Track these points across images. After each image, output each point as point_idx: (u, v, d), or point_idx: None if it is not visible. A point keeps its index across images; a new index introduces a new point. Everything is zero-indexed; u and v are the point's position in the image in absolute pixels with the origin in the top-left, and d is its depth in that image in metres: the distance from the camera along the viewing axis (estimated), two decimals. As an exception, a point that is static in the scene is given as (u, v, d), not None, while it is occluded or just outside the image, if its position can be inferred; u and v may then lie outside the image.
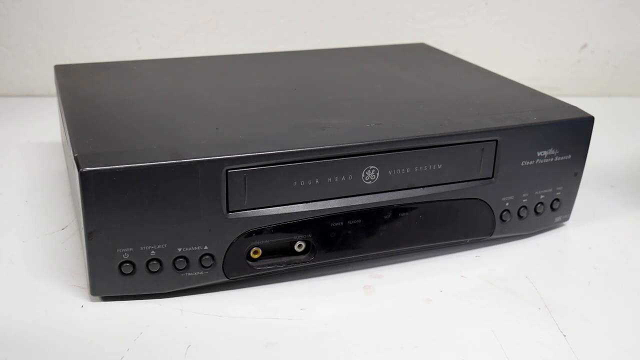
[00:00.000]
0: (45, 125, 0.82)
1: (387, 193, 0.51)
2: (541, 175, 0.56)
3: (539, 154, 0.55)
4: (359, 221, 0.51)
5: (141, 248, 0.47)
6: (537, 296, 0.50)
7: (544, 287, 0.51)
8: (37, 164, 0.71)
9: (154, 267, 0.47)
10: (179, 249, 0.47)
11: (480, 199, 0.54)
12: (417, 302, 0.49)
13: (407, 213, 0.52)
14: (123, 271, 0.47)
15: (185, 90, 0.59)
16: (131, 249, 0.46)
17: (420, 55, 0.75)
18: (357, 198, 0.51)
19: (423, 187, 0.52)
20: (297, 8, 0.96)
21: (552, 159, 0.56)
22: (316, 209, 0.50)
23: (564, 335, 0.46)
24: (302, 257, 0.51)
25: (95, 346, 0.44)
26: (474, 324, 0.47)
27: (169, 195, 0.46)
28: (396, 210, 0.52)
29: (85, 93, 0.59)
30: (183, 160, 0.45)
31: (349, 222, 0.51)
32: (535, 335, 0.46)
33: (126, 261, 0.47)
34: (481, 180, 0.54)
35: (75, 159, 0.45)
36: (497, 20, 0.98)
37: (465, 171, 0.53)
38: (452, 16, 0.97)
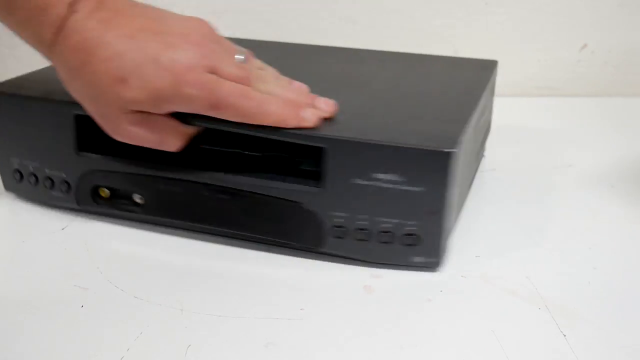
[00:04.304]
0: (45, 125, 0.81)
1: (216, 173, 0.54)
2: (381, 200, 0.51)
3: (373, 175, 0.50)
4: (182, 190, 0.55)
5: (24, 162, 0.59)
6: (537, 296, 0.50)
7: (544, 287, 0.51)
8: (37, 164, 0.71)
9: (32, 180, 0.59)
10: (47, 170, 0.58)
11: (306, 206, 0.52)
12: (417, 302, 0.49)
13: (231, 196, 0.54)
14: (15, 177, 0.60)
15: None
16: (18, 160, 0.59)
17: None
18: (188, 171, 0.54)
19: (249, 175, 0.53)
20: (297, 8, 0.96)
21: (395, 186, 0.50)
22: (148, 168, 0.55)
23: (564, 335, 0.46)
24: (138, 209, 0.57)
25: (96, 346, 0.44)
26: (474, 324, 0.47)
27: (39, 124, 0.57)
28: (221, 191, 0.54)
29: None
30: (48, 98, 0.56)
31: (177, 190, 0.55)
32: (535, 335, 0.46)
33: (16, 169, 0.59)
34: (308, 186, 0.52)
35: None
36: (497, 20, 0.98)
37: (292, 171, 0.53)
38: (452, 16, 0.97)
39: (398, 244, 0.52)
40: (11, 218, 0.60)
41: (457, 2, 0.97)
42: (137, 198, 0.57)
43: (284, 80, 0.56)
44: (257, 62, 0.56)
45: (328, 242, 0.53)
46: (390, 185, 0.50)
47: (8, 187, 0.61)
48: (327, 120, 0.53)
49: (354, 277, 0.52)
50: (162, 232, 0.58)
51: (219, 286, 0.51)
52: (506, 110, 0.80)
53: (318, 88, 0.56)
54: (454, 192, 0.51)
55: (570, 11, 0.98)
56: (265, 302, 0.49)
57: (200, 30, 0.52)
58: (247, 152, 0.55)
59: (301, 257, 0.54)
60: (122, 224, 0.59)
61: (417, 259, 0.52)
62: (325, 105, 0.53)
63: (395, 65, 0.70)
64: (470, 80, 0.66)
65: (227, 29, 0.95)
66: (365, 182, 0.50)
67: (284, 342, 0.45)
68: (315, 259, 0.53)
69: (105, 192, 0.57)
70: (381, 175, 0.50)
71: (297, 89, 0.55)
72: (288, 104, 0.51)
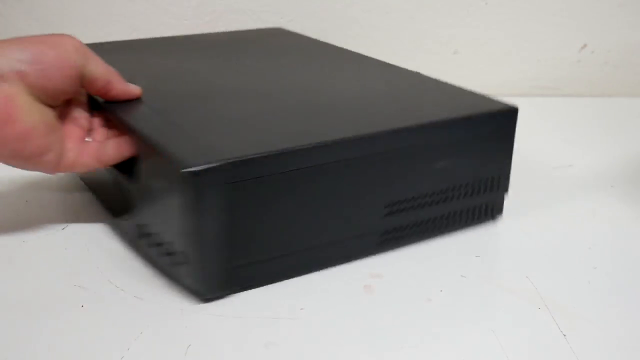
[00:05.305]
0: (45, 125, 0.82)
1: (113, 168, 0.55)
2: (160, 209, 0.49)
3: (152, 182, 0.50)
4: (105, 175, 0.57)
5: None
6: (537, 296, 0.50)
7: (544, 287, 0.51)
8: (37, 164, 0.71)
9: None
10: None
11: (132, 200, 0.53)
12: (417, 302, 0.50)
13: (115, 185, 0.55)
14: None
15: None
16: None
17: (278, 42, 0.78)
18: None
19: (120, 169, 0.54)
20: (297, 8, 0.96)
21: (163, 199, 0.50)
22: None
23: (564, 335, 0.46)
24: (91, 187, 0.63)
25: (96, 346, 0.44)
26: (474, 324, 0.47)
27: None
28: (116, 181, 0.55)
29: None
30: None
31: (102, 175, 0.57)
32: (535, 335, 0.46)
33: None
34: (127, 179, 0.53)
35: None
36: (497, 20, 0.98)
37: None
38: (452, 16, 0.97)
39: (173, 258, 0.49)
40: (11, 218, 0.60)
41: (457, 2, 0.97)
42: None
43: None
44: None
45: (136, 242, 0.54)
46: (160, 196, 0.49)
47: None
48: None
49: (354, 277, 0.52)
50: (162, 232, 0.58)
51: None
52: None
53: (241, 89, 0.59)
54: (211, 221, 0.45)
55: (570, 11, 0.98)
56: (265, 302, 0.49)
57: None
58: None
59: (301, 257, 0.54)
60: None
61: (187, 281, 0.48)
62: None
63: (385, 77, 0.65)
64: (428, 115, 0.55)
65: (228, 28, 0.95)
66: (152, 184, 0.50)
67: (284, 342, 0.45)
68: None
69: None
70: (157, 184, 0.49)
71: None
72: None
